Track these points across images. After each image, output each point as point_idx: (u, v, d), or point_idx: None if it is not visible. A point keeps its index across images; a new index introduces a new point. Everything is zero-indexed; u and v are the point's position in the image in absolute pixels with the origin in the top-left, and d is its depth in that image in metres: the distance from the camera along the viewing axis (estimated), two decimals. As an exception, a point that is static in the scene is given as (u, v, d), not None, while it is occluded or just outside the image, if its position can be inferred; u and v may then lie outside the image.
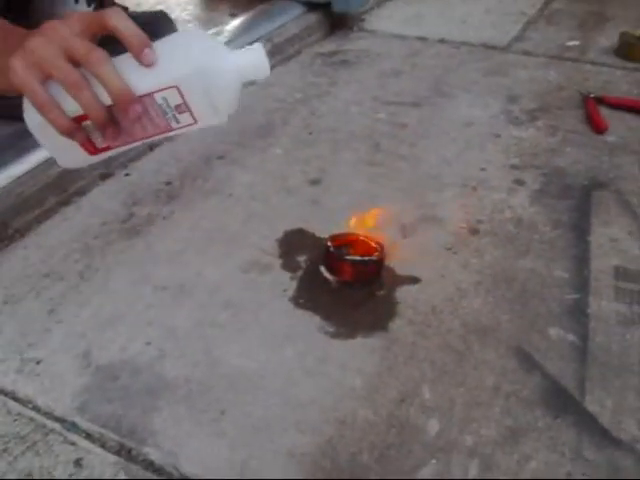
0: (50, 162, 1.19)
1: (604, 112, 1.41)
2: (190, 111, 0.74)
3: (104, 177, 1.25)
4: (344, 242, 1.00)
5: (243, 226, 1.12)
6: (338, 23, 1.94)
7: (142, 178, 1.25)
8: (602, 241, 1.05)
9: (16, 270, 1.05)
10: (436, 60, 1.73)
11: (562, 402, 0.80)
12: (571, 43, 1.81)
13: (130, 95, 0.70)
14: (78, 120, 0.72)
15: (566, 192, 1.18)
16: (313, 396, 0.82)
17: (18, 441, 0.79)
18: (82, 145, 0.76)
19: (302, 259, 1.03)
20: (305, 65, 1.72)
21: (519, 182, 1.20)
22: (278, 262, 1.03)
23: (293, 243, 1.07)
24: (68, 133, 0.72)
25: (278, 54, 1.71)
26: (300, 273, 1.01)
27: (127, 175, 1.27)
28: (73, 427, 0.80)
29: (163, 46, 0.72)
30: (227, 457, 0.76)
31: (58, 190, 1.19)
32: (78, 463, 0.76)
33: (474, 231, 1.08)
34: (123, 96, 0.70)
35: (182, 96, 0.72)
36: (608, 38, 1.81)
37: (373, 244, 0.99)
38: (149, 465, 0.76)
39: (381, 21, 2.01)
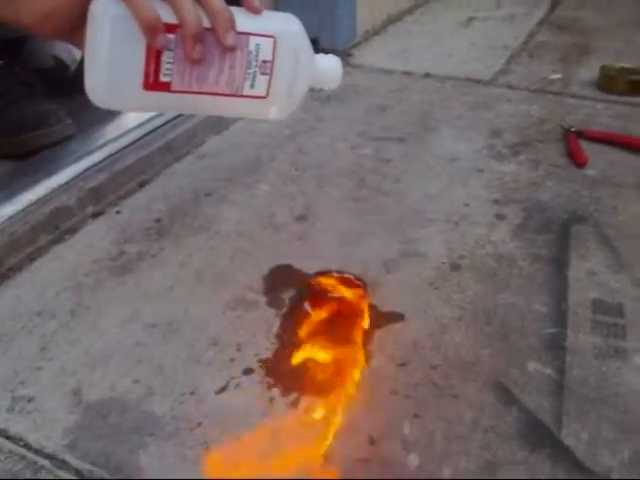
0: (41, 201, 1.22)
1: (585, 146, 1.45)
2: (271, 74, 0.73)
3: (95, 215, 1.28)
4: (328, 279, 1.02)
5: (230, 263, 1.14)
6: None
7: (132, 215, 1.28)
8: (580, 275, 1.08)
9: (8, 308, 1.07)
10: (422, 95, 1.77)
11: (539, 435, 0.82)
12: (554, 76, 1.85)
13: (231, 20, 0.67)
14: (166, 29, 0.67)
15: (546, 226, 1.21)
16: (297, 428, 0.84)
17: (9, 478, 0.81)
18: (147, 65, 0.68)
19: (287, 296, 1.06)
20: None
21: (500, 217, 1.23)
22: (263, 299, 1.06)
23: (279, 280, 1.10)
24: (151, 28, 0.66)
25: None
26: (285, 310, 1.03)
27: (118, 213, 1.29)
28: (63, 464, 0.82)
29: (267, 12, 0.72)
30: (212, 493, 0.78)
31: (50, 228, 1.22)
32: (67, 500, 0.78)
33: (455, 267, 1.11)
34: (224, 19, 0.67)
35: (273, 52, 0.71)
36: (590, 70, 1.86)
37: (356, 281, 1.02)
38: (137, 502, 0.78)
39: (368, 55, 2.05)
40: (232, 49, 0.69)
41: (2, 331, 1.03)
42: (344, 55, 2.01)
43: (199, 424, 0.86)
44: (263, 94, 0.74)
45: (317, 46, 1.93)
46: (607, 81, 1.74)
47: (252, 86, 0.73)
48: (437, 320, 1.00)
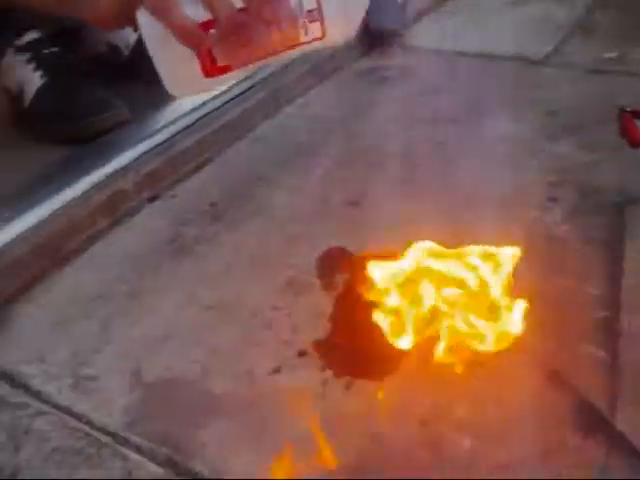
0: (99, 186, 1.25)
1: (640, 126, 1.43)
2: (322, 19, 0.73)
3: (151, 199, 1.31)
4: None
5: (284, 247, 1.16)
6: (376, 40, 1.97)
7: (188, 200, 1.31)
8: (635, 257, 1.07)
9: (69, 291, 1.11)
10: (474, 75, 1.75)
11: (592, 421, 0.83)
12: (609, 55, 1.82)
13: None
14: (203, 27, 0.69)
15: (600, 208, 1.20)
16: (350, 410, 0.86)
17: (74, 454, 0.84)
18: (201, 60, 0.72)
19: (341, 279, 1.07)
20: (343, 84, 1.76)
21: (553, 199, 1.23)
22: (317, 282, 1.07)
23: (333, 263, 1.11)
24: (191, 38, 0.67)
25: (316, 73, 1.76)
26: (338, 293, 1.04)
27: (173, 197, 1.32)
28: (125, 442, 0.86)
29: None
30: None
31: (108, 212, 1.25)
32: (129, 475, 0.81)
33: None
34: None
35: None
36: None
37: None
38: (196, 478, 0.80)
39: (419, 36, 2.03)
40: (272, 21, 0.70)
41: (63, 313, 1.06)
42: (395, 36, 2.01)
43: (254, 404, 0.88)
44: (319, 35, 0.75)
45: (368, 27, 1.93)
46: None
47: (307, 33, 0.74)
48: (490, 303, 1.01)
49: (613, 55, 1.82)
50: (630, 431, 0.80)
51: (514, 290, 0.96)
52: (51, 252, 1.16)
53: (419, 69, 1.81)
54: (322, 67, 1.78)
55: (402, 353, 0.91)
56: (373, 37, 1.96)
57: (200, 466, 0.81)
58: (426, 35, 2.04)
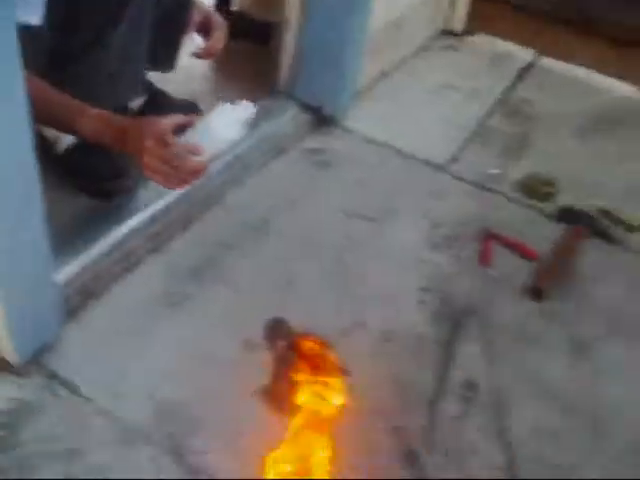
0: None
1: (497, 247, 2.03)
2: None
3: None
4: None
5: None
6: (321, 121, 2.43)
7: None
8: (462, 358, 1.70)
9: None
10: (394, 173, 2.29)
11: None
12: (493, 171, 2.32)
13: None
14: None
15: (449, 314, 1.82)
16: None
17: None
18: None
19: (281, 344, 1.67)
20: (290, 164, 2.29)
21: (422, 302, 1.85)
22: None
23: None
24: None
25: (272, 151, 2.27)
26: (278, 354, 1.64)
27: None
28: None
29: None
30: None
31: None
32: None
33: (387, 339, 1.73)
34: None
35: None
36: (524, 168, 2.33)
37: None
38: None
39: (354, 119, 2.50)
40: None
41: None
42: (338, 120, 2.47)
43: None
44: None
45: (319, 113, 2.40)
46: (526, 188, 2.27)
47: None
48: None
49: (496, 172, 2.35)
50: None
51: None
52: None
53: (351, 156, 2.34)
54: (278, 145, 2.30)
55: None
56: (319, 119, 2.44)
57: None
58: (359, 119, 2.52)
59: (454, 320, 1.81)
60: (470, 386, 1.64)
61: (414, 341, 1.74)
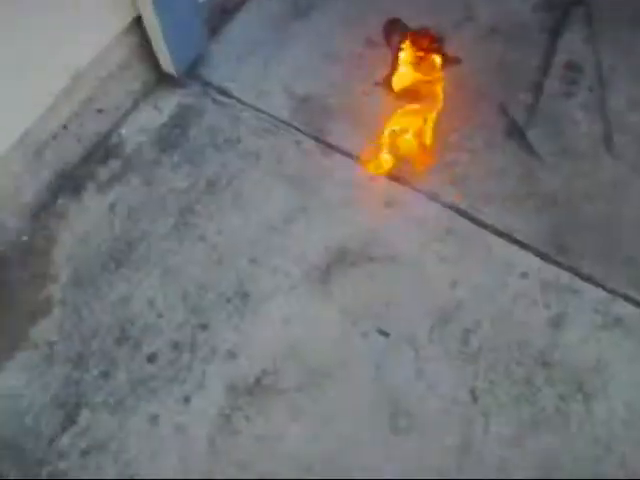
0: None
1: None
2: None
3: None
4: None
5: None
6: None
7: None
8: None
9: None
10: None
11: (514, 131, 1.69)
12: None
13: None
14: None
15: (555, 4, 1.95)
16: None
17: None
18: None
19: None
20: None
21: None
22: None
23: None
24: None
25: None
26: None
27: None
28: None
29: None
30: None
31: None
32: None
33: (494, 30, 1.89)
34: None
35: None
36: None
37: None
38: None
39: None
40: None
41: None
42: None
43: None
44: None
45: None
46: None
47: None
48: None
49: None
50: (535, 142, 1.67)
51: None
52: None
53: None
54: None
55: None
56: None
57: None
58: None
59: (562, 8, 1.93)
60: (574, 67, 1.81)
61: (519, 30, 1.90)
